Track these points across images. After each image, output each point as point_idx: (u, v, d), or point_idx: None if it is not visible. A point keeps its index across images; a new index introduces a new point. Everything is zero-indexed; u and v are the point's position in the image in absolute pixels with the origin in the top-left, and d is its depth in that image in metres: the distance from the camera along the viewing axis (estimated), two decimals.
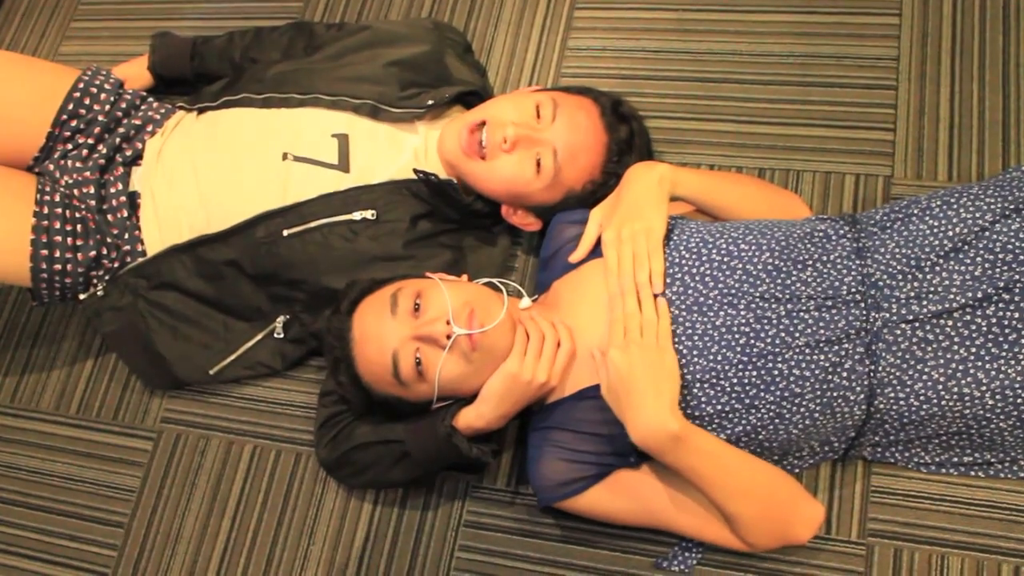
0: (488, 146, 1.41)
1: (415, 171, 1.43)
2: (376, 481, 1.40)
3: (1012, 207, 1.16)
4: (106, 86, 1.58)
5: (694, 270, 1.23)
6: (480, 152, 1.41)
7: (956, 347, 1.14)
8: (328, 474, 1.47)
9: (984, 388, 1.13)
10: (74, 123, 1.55)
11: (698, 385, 1.18)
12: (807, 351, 1.15)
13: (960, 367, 1.13)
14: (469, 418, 1.27)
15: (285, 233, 1.45)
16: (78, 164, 1.52)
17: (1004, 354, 1.12)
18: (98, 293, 1.53)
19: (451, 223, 1.51)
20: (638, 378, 1.14)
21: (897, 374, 1.15)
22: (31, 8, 2.11)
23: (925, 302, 1.14)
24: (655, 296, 1.21)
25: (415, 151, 1.50)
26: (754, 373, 1.16)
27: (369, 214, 1.44)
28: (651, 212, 1.27)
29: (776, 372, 1.15)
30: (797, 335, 1.15)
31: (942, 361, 1.14)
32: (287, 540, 1.49)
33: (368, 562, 1.44)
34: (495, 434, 1.34)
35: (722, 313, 1.19)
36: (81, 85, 1.55)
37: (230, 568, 1.49)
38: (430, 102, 1.50)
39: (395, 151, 1.49)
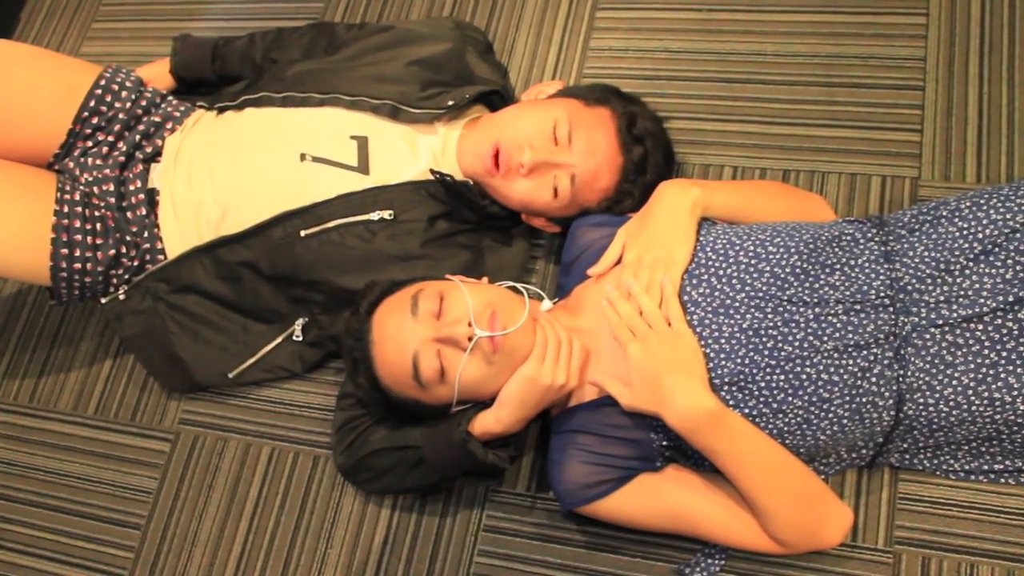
0: (504, 168, 1.40)
1: (432, 172, 1.43)
2: (393, 486, 1.40)
3: None
4: (127, 84, 1.58)
5: (720, 272, 1.21)
6: (498, 170, 1.41)
7: (987, 351, 1.12)
8: (345, 479, 1.46)
9: (1016, 393, 1.11)
10: (95, 120, 1.55)
11: (725, 388, 1.16)
12: (835, 355, 1.13)
13: (991, 372, 1.11)
14: (487, 423, 1.26)
15: (302, 234, 1.44)
16: (98, 161, 1.52)
17: None
18: (120, 297, 1.53)
19: (469, 223, 1.50)
20: (664, 365, 1.14)
21: (927, 379, 1.13)
22: (53, 9, 2.12)
23: (955, 306, 1.12)
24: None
25: (433, 152, 1.49)
26: (782, 377, 1.14)
27: (387, 214, 1.43)
28: (676, 243, 1.25)
29: (804, 376, 1.13)
30: (825, 339, 1.14)
31: (972, 366, 1.12)
32: (304, 544, 1.48)
33: (386, 567, 1.43)
34: (514, 438, 1.32)
35: (749, 316, 1.17)
36: (103, 82, 1.55)
37: (247, 571, 1.48)
38: (450, 103, 1.49)
39: (414, 152, 1.48)
